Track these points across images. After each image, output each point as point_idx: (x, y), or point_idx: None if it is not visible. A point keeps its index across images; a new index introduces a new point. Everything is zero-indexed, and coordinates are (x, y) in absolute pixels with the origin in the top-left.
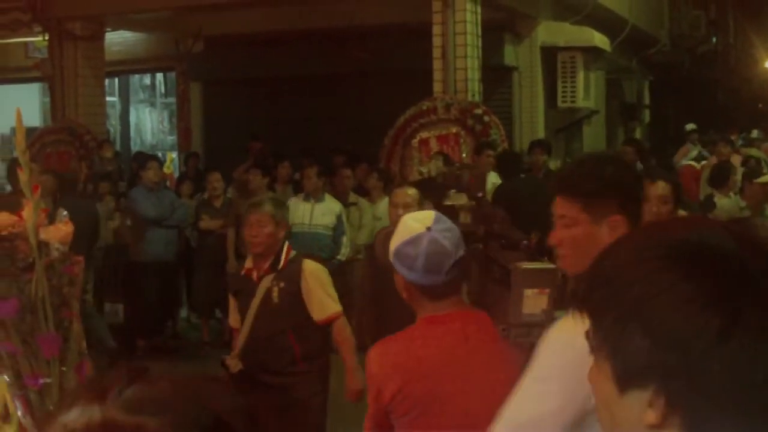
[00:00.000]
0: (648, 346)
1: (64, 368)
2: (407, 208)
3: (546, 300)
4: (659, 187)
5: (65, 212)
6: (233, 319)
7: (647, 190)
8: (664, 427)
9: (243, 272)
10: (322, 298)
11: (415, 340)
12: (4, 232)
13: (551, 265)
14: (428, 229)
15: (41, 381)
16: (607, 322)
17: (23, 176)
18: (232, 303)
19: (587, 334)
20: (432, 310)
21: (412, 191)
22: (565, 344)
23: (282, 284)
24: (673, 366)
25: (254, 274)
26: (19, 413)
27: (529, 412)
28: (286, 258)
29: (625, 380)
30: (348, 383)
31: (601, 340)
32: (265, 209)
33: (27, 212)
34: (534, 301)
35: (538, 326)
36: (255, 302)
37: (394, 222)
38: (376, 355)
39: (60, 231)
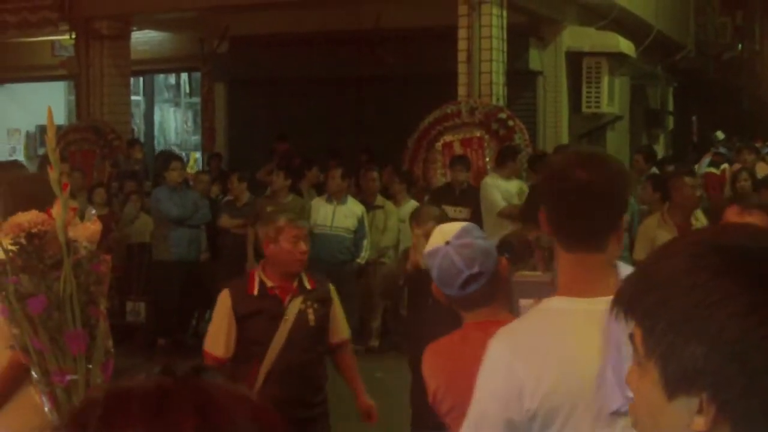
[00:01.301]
0: (705, 353)
1: (90, 365)
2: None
3: None
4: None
5: (93, 211)
6: (221, 346)
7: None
8: None
9: (267, 291)
10: (341, 319)
11: (456, 344)
12: (34, 230)
13: (546, 277)
14: (447, 243)
15: (68, 378)
16: (661, 327)
17: (54, 174)
18: (224, 326)
19: (631, 337)
20: (470, 318)
21: (433, 211)
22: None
23: (316, 305)
24: (730, 375)
25: (279, 294)
26: (46, 409)
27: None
28: (310, 277)
29: (676, 386)
30: (363, 404)
31: (652, 345)
32: (305, 224)
33: (56, 210)
34: None
35: None
36: (286, 326)
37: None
38: (426, 356)
39: (88, 229)
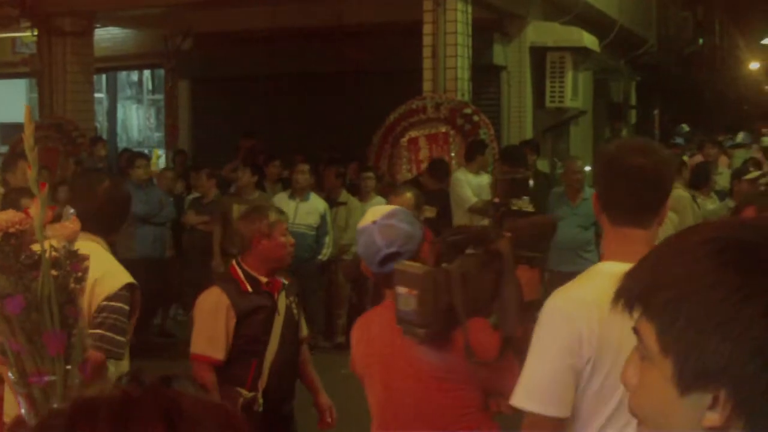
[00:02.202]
0: (729, 351)
1: (68, 366)
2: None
3: (415, 301)
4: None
5: (72, 210)
6: (221, 348)
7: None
8: (726, 429)
9: (260, 287)
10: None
11: (372, 317)
12: (11, 230)
13: (423, 269)
14: (374, 222)
15: (46, 379)
16: (681, 323)
17: (32, 173)
18: (222, 327)
19: (637, 331)
20: (389, 295)
21: (408, 194)
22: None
23: (295, 299)
24: (753, 372)
25: (271, 289)
26: (23, 411)
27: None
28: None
29: (692, 382)
30: (323, 402)
31: (670, 341)
32: (285, 218)
33: (34, 209)
34: (406, 300)
35: (410, 323)
36: (279, 321)
37: None
38: (353, 327)
39: (67, 228)
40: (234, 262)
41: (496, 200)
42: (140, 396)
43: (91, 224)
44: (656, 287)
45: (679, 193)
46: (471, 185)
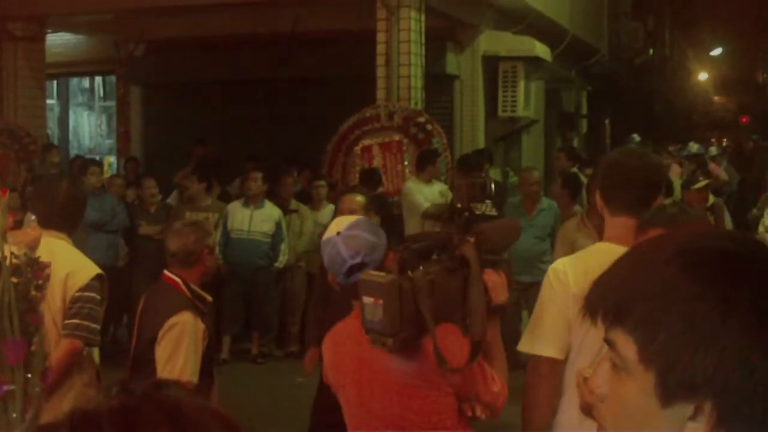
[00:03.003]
0: (714, 362)
1: (29, 375)
2: (352, 213)
3: (381, 310)
4: None
5: (33, 216)
6: (196, 373)
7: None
8: None
9: (208, 306)
10: None
11: (342, 329)
12: None
13: (388, 278)
14: (338, 233)
15: (5, 388)
16: (664, 335)
17: None
18: (199, 352)
19: (611, 343)
20: (357, 306)
21: (359, 198)
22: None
23: None
24: (738, 382)
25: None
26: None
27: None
28: None
29: (675, 393)
30: None
31: (653, 353)
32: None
33: None
34: (372, 310)
35: (377, 333)
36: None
37: None
38: (324, 340)
39: (28, 236)
40: (178, 279)
41: (459, 205)
42: (139, 404)
43: (56, 222)
44: (635, 299)
45: None
46: (422, 194)
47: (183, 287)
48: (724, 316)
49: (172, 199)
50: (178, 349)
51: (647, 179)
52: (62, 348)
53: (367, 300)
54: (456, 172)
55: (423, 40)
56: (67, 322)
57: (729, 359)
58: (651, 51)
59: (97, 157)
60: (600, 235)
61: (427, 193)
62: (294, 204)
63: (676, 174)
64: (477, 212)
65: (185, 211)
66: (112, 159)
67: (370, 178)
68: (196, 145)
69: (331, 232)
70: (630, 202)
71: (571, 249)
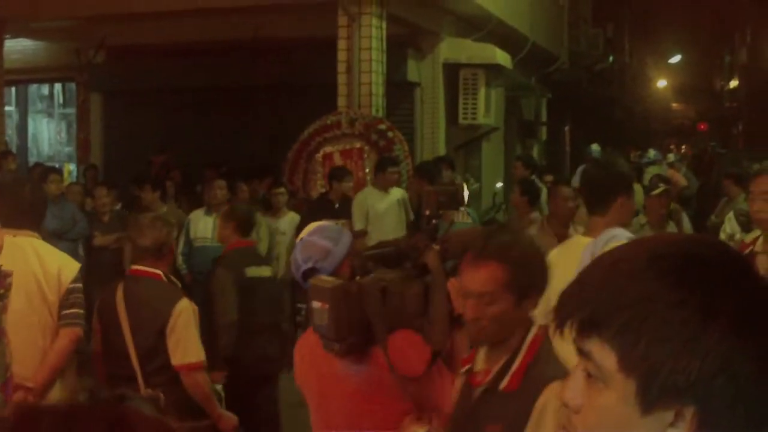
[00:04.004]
0: (696, 368)
1: None
2: None
3: (327, 316)
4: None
5: None
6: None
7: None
8: None
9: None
10: None
11: (309, 334)
12: None
13: (334, 283)
14: (301, 239)
15: None
16: (643, 344)
17: None
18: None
19: (587, 353)
20: None
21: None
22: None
23: None
24: (720, 386)
25: None
26: None
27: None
28: None
29: (656, 400)
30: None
31: (634, 361)
32: None
33: None
34: (320, 314)
35: (325, 337)
36: None
37: None
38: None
39: None
40: (158, 271)
41: (427, 212)
42: (87, 408)
43: (26, 222)
44: (613, 308)
45: None
46: (375, 206)
47: (164, 278)
48: (705, 322)
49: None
50: (191, 332)
51: (602, 184)
52: (66, 336)
53: (316, 305)
54: (414, 179)
55: (384, 47)
56: (66, 312)
57: (711, 365)
58: (611, 58)
59: (57, 165)
60: (560, 241)
61: (378, 201)
62: None
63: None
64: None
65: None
66: (72, 167)
67: (342, 174)
68: (155, 154)
69: (299, 237)
70: (592, 204)
71: None
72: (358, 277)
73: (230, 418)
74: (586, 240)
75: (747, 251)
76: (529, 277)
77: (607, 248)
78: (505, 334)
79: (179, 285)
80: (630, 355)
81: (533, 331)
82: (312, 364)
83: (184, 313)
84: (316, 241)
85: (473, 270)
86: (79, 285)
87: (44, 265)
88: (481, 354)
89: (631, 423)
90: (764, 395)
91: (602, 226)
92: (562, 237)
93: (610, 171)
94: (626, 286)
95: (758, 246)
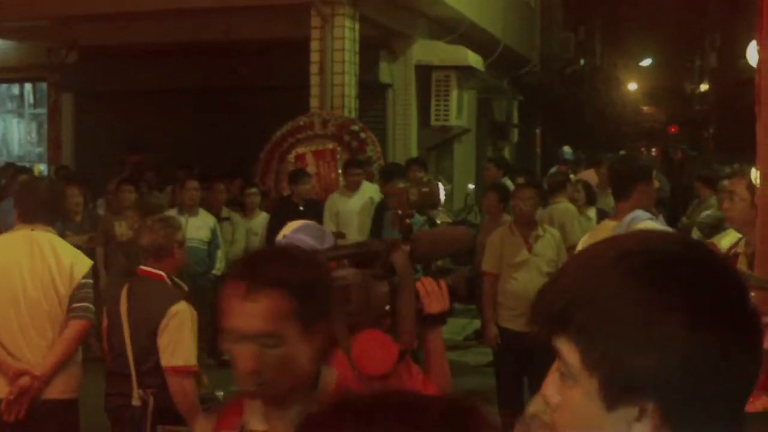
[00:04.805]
0: (655, 364)
1: None
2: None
3: None
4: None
5: None
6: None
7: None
8: None
9: (187, 297)
10: None
11: None
12: None
13: None
14: (283, 237)
15: None
16: (604, 341)
17: None
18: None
19: (557, 351)
20: None
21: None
22: None
23: None
24: (678, 382)
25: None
26: None
27: None
28: None
29: (619, 397)
30: None
31: (595, 358)
32: None
33: None
34: None
35: None
36: None
37: None
38: None
39: None
40: (161, 272)
41: (399, 212)
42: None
43: (41, 217)
44: (576, 306)
45: (566, 206)
46: (343, 208)
47: (166, 279)
48: (663, 320)
49: (100, 207)
50: (184, 335)
51: (624, 175)
52: (75, 328)
53: None
54: (381, 182)
55: (357, 49)
56: (77, 305)
57: (669, 361)
58: (582, 61)
59: (27, 165)
60: (526, 243)
61: (345, 204)
62: (226, 212)
63: (591, 181)
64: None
65: (113, 221)
66: (42, 167)
67: (299, 176)
68: (129, 153)
69: (280, 235)
70: (616, 192)
71: (499, 256)
72: None
73: None
74: (613, 224)
75: (732, 252)
76: (317, 299)
77: (630, 229)
78: (293, 382)
79: (184, 288)
80: (591, 353)
81: (330, 373)
82: None
83: (179, 315)
84: (303, 239)
85: (246, 304)
86: (90, 281)
87: (59, 259)
88: (256, 410)
89: (599, 419)
90: (723, 391)
91: (626, 210)
92: (527, 237)
93: (630, 163)
94: (592, 283)
95: (740, 247)
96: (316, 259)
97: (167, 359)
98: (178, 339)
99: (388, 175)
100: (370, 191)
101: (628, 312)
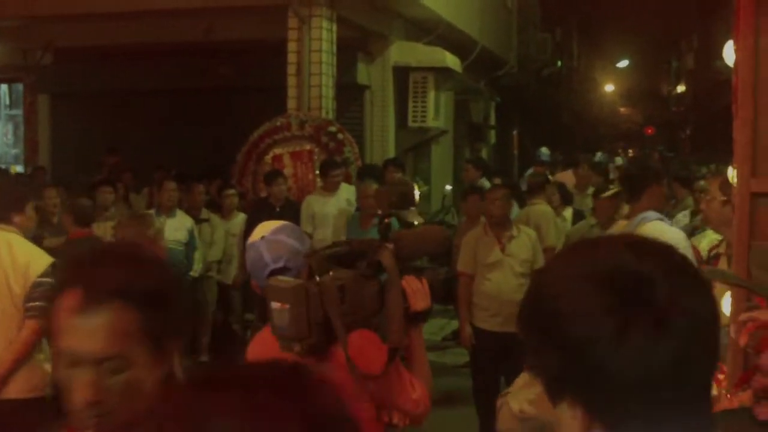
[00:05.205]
0: (558, 358)
1: None
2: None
3: (287, 316)
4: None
5: None
6: None
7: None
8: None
9: None
10: None
11: (264, 336)
12: None
13: (294, 282)
14: (262, 238)
15: None
16: (534, 340)
17: None
18: None
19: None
20: None
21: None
22: None
23: None
24: (580, 374)
25: None
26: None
27: None
28: None
29: (551, 395)
30: None
31: (531, 362)
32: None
33: None
34: (279, 315)
35: (286, 338)
36: None
37: None
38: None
39: None
40: None
41: (379, 212)
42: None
43: (3, 216)
44: (522, 308)
45: (544, 208)
46: (321, 209)
47: None
48: (564, 314)
49: None
50: None
51: (634, 177)
52: (30, 328)
53: (275, 305)
54: (357, 182)
55: (334, 50)
56: (31, 304)
57: (569, 353)
58: (559, 63)
59: (3, 166)
60: (500, 244)
61: (323, 205)
62: (205, 213)
63: (569, 182)
64: (408, 220)
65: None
66: (19, 168)
67: (273, 177)
68: (107, 154)
69: (256, 236)
70: (628, 193)
71: (474, 257)
72: (317, 277)
73: None
74: (624, 223)
75: (713, 253)
76: (168, 311)
77: (638, 228)
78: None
79: None
80: (531, 357)
81: None
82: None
83: None
84: (284, 239)
85: (81, 319)
86: (48, 279)
87: (14, 257)
88: None
89: (555, 415)
90: (622, 379)
91: (637, 210)
92: (501, 237)
93: (641, 166)
94: (536, 287)
95: (722, 248)
96: (164, 263)
97: None
98: None
99: (360, 175)
100: (346, 193)
101: (545, 307)
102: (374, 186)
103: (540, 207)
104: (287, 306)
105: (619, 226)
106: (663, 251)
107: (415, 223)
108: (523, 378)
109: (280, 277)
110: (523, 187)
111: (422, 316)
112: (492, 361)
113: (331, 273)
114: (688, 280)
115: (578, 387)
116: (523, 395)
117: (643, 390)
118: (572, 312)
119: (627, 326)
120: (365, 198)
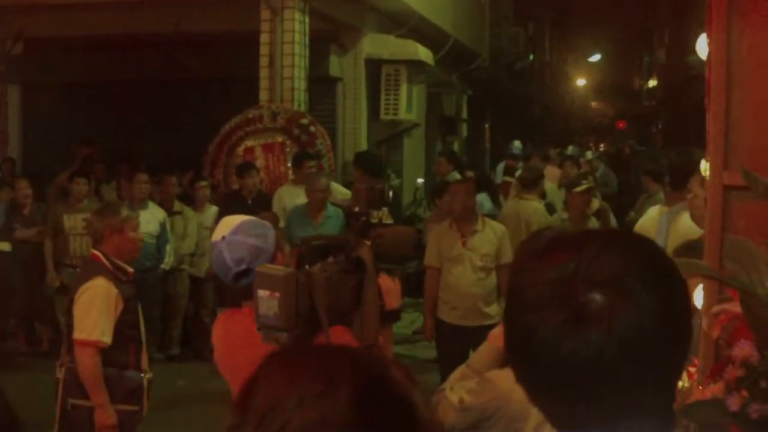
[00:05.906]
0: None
1: None
2: None
3: (277, 304)
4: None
5: None
6: (109, 333)
7: None
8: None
9: (129, 277)
10: None
11: (231, 324)
12: None
13: (285, 271)
14: (223, 238)
15: None
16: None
17: None
18: (111, 313)
19: None
20: (246, 304)
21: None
22: None
23: None
24: (511, 358)
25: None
26: None
27: None
28: None
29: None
30: None
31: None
32: (137, 215)
33: None
34: (267, 303)
35: (271, 328)
36: (138, 309)
37: None
38: (215, 323)
39: None
40: (98, 252)
41: (356, 209)
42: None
43: None
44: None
45: (536, 205)
46: (292, 202)
47: (104, 259)
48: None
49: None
50: (90, 310)
51: (679, 167)
52: None
53: (263, 293)
54: (356, 172)
55: (307, 42)
56: None
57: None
58: (531, 56)
59: None
60: (462, 238)
61: (295, 198)
62: (178, 206)
63: (554, 177)
64: (373, 220)
65: (62, 213)
66: None
67: (246, 170)
68: (79, 145)
69: (217, 235)
70: (672, 182)
71: (439, 250)
72: (307, 266)
73: (108, 417)
74: (665, 209)
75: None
76: None
77: (677, 216)
78: None
79: (128, 270)
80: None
81: None
82: (243, 359)
83: (90, 291)
84: (243, 240)
85: None
86: None
87: None
88: None
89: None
90: (537, 364)
91: (677, 199)
92: (464, 231)
93: (686, 157)
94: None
95: None
96: None
97: (75, 333)
98: (84, 313)
99: (365, 165)
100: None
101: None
102: (323, 180)
103: (532, 203)
104: (277, 294)
105: (658, 212)
106: (637, 247)
107: (389, 222)
108: (460, 371)
109: (271, 265)
110: (497, 180)
111: (395, 315)
112: (456, 354)
113: (319, 264)
114: (653, 276)
115: (517, 372)
116: (460, 386)
117: (553, 375)
118: (526, 302)
119: (543, 319)
120: (314, 192)
